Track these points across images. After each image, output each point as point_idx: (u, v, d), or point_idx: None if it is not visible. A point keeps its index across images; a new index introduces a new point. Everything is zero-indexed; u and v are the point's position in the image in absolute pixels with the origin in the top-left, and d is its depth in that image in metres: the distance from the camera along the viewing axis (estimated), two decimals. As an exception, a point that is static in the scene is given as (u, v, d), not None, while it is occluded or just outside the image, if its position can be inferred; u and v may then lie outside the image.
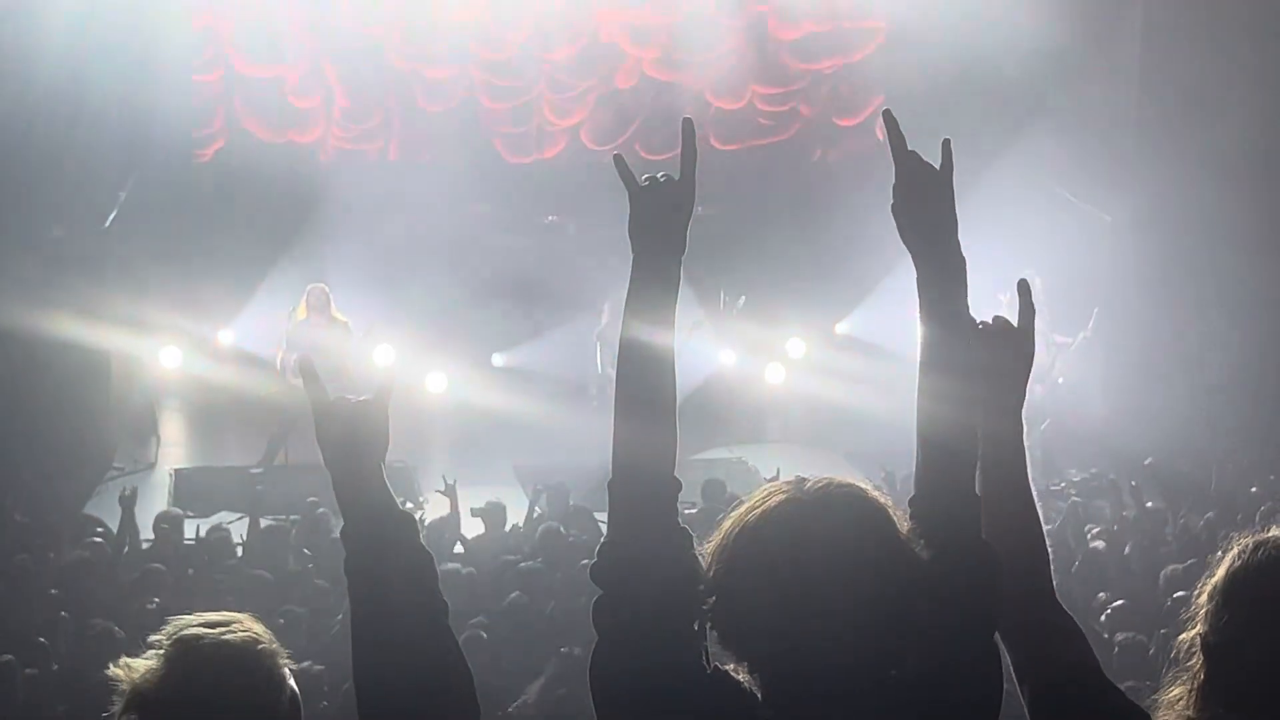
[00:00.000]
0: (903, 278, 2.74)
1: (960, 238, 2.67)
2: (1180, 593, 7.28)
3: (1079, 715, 2.60)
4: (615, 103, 17.27)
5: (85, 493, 13.27)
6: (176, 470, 14.50)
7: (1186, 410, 14.17)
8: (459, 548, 10.29)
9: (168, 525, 10.43)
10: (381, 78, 16.53)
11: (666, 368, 2.60)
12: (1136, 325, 15.07)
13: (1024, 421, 2.77)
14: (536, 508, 11.28)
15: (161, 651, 2.58)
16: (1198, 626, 2.57)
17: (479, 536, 10.59)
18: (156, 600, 8.51)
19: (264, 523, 10.56)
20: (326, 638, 8.04)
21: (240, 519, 11.63)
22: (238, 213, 16.51)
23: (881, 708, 2.39)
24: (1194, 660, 2.56)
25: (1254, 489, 11.74)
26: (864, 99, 16.84)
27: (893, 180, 2.70)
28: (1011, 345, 2.74)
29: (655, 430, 2.57)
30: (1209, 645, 2.53)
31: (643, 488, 2.54)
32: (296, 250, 16.04)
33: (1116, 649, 7.43)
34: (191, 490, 13.70)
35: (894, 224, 2.71)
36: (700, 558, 2.50)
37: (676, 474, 2.57)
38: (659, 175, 2.70)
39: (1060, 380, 14.64)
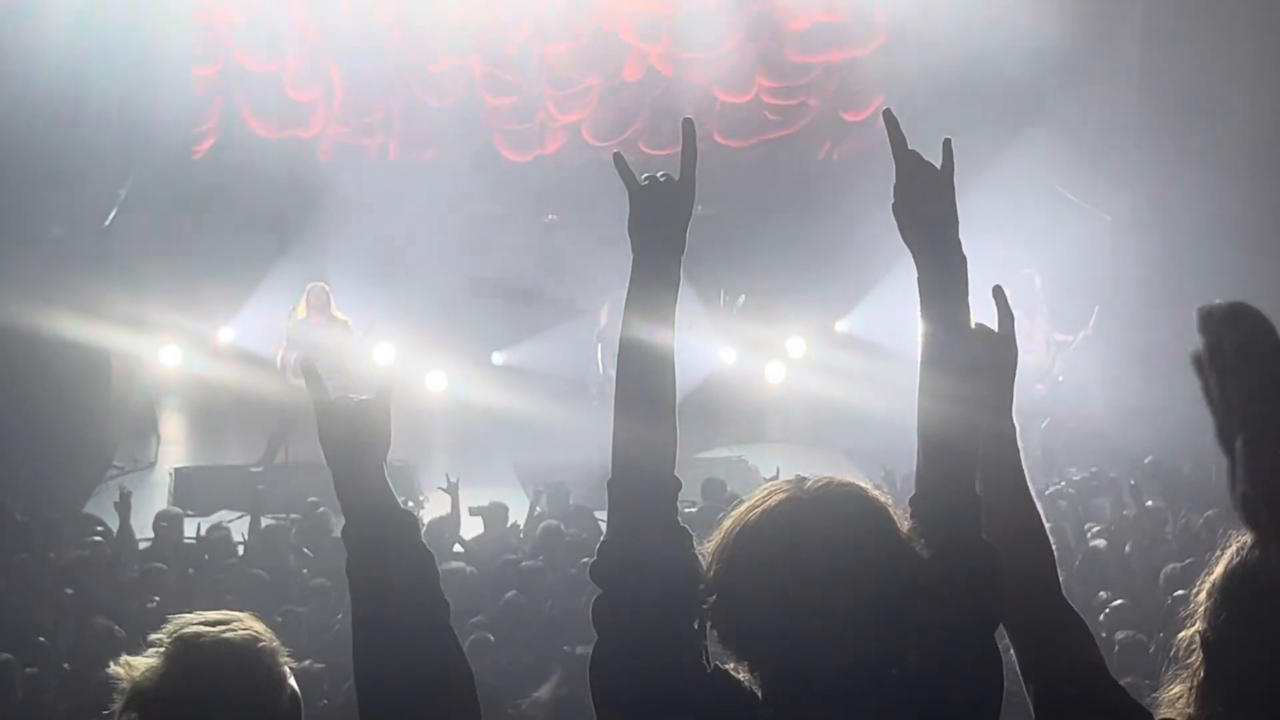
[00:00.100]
0: (903, 276, 2.74)
1: (961, 236, 2.68)
2: (1180, 591, 7.28)
3: (1084, 713, 2.60)
4: (619, 98, 17.20)
5: (85, 491, 13.28)
6: (176, 469, 14.51)
7: (1187, 409, 14.09)
8: (458, 547, 10.29)
9: (167, 524, 10.44)
10: (382, 74, 16.48)
11: (666, 367, 2.60)
12: (1137, 324, 15.06)
13: (1016, 422, 2.77)
14: (537, 508, 11.29)
15: (162, 649, 2.59)
16: (1197, 624, 2.57)
17: (479, 536, 10.59)
18: (157, 599, 8.52)
19: (264, 522, 10.56)
20: (327, 636, 8.04)
21: (240, 518, 11.64)
22: (238, 212, 16.51)
23: (882, 707, 2.39)
24: (1193, 658, 2.56)
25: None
26: (866, 96, 16.80)
27: (893, 179, 2.70)
28: (994, 350, 2.74)
29: (655, 429, 2.57)
30: (1208, 643, 2.53)
31: (642, 487, 2.54)
32: (296, 249, 16.04)
33: (1117, 647, 7.43)
34: (191, 489, 13.70)
35: (894, 223, 2.71)
36: (700, 557, 2.50)
37: (676, 473, 2.57)
38: (659, 174, 2.70)
39: (1060, 379, 14.64)
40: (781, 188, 17.64)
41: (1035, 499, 2.74)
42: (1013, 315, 2.75)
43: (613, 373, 2.69)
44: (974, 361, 2.64)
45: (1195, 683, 2.54)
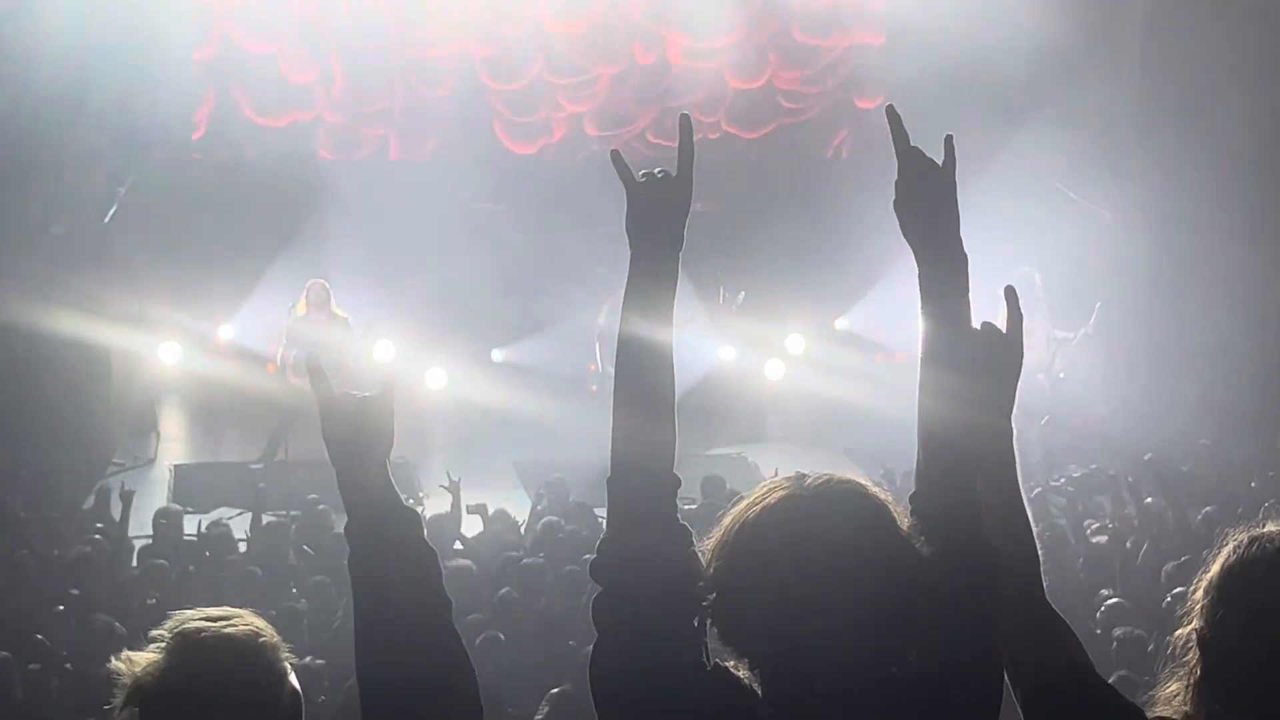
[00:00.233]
0: (903, 274, 2.74)
1: (962, 234, 2.68)
2: (1179, 589, 7.28)
3: (1072, 715, 2.60)
4: (627, 87, 17.05)
5: (86, 489, 13.28)
6: (176, 466, 14.52)
7: (1187, 406, 14.17)
8: (458, 544, 10.28)
9: (167, 521, 10.45)
10: (382, 60, 16.33)
11: (665, 364, 2.60)
12: (1138, 321, 15.07)
13: (1015, 423, 2.77)
14: (539, 505, 11.28)
15: (163, 645, 2.59)
16: (1194, 622, 2.57)
17: (479, 534, 10.59)
18: (156, 597, 8.52)
19: (265, 519, 10.57)
20: (327, 634, 8.05)
21: (240, 515, 11.64)
22: (238, 209, 16.49)
23: (882, 705, 2.38)
24: (1190, 656, 2.56)
25: (1254, 484, 11.75)
26: (878, 82, 16.61)
27: (894, 176, 2.70)
28: (999, 350, 2.73)
29: (654, 427, 2.57)
30: (1205, 641, 2.53)
31: (642, 484, 2.53)
32: (296, 245, 16.03)
33: (1115, 644, 7.43)
34: (191, 486, 13.72)
35: (895, 220, 2.71)
36: (700, 555, 2.50)
37: (676, 470, 2.57)
38: (656, 171, 2.69)
39: (1061, 375, 14.64)
40: (781, 185, 17.61)
41: (1025, 500, 2.74)
42: (1022, 316, 2.74)
43: (612, 370, 2.68)
44: (974, 359, 2.64)
45: (1192, 680, 2.55)
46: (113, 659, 2.61)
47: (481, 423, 14.71)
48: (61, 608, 8.53)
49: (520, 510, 11.39)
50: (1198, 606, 2.57)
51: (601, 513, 2.62)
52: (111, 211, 14.64)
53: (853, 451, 14.29)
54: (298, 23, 16.00)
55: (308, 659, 7.21)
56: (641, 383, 2.59)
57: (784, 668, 2.41)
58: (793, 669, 2.40)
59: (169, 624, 2.62)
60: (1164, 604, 7.81)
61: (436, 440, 14.53)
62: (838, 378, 15.31)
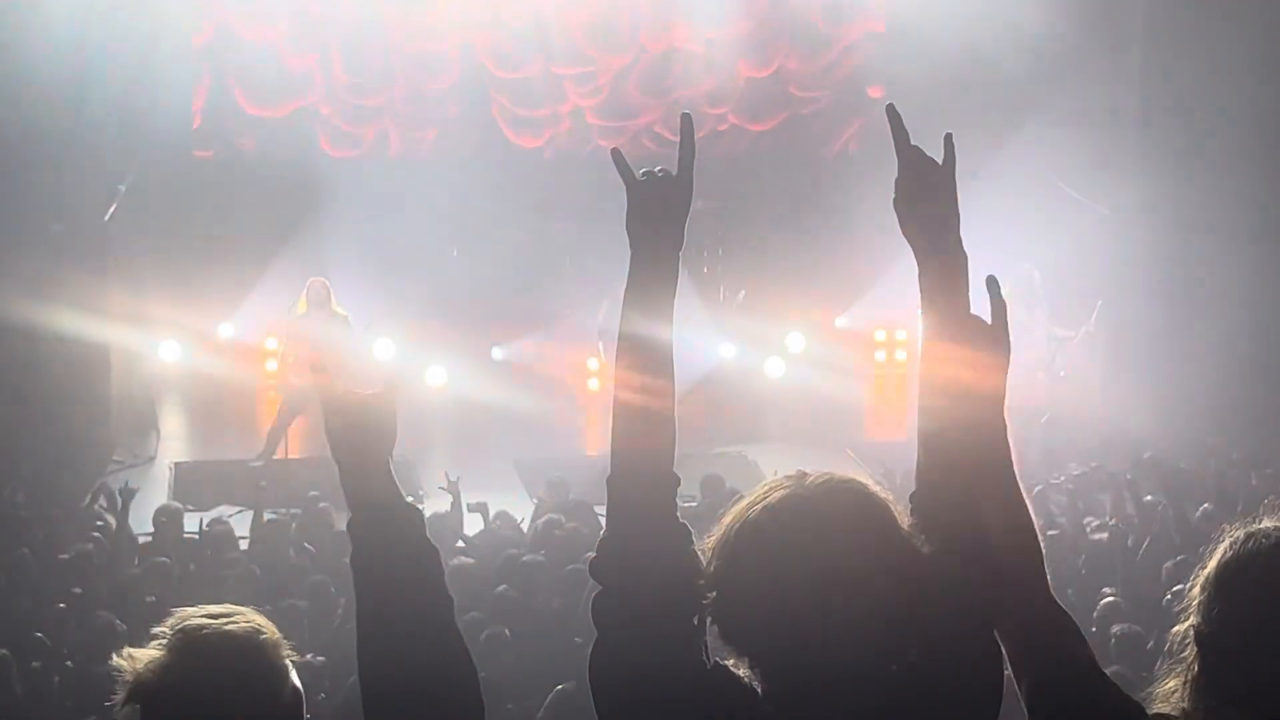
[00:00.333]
0: (903, 272, 2.74)
1: (962, 232, 2.68)
2: (1179, 586, 7.29)
3: (1076, 710, 2.59)
4: (632, 78, 16.95)
5: (86, 487, 13.28)
6: (176, 464, 14.52)
7: (1187, 404, 14.17)
8: (459, 543, 10.29)
9: (167, 519, 10.46)
10: (382, 52, 16.26)
11: (665, 362, 2.60)
12: (1138, 319, 15.07)
13: (1012, 419, 2.76)
14: (537, 501, 11.28)
15: (164, 642, 2.59)
16: (1191, 618, 2.57)
17: (480, 532, 10.59)
18: (156, 595, 8.52)
19: (265, 516, 10.58)
20: (327, 632, 8.05)
21: (240, 512, 11.64)
22: (237, 207, 16.49)
23: (882, 704, 2.39)
24: (1188, 652, 2.56)
25: (1253, 481, 11.75)
26: (879, 82, 16.49)
27: (894, 174, 2.70)
28: (989, 343, 2.72)
29: (654, 425, 2.57)
30: (1202, 637, 2.53)
31: (641, 483, 2.54)
32: (296, 244, 16.03)
33: (1113, 641, 7.44)
34: (191, 484, 13.72)
35: (895, 218, 2.71)
36: (700, 553, 2.50)
37: (675, 469, 2.57)
38: (656, 169, 2.69)
39: (1062, 374, 14.65)
40: (781, 182, 17.58)
41: (1026, 496, 2.74)
42: (1005, 305, 2.73)
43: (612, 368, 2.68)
44: (975, 357, 2.65)
45: (1189, 677, 2.55)
46: (114, 656, 2.61)
47: (482, 420, 14.71)
48: (62, 606, 8.54)
49: (520, 508, 11.38)
50: (1195, 603, 2.57)
51: (601, 510, 2.62)
52: (111, 210, 14.62)
53: (853, 449, 14.30)
54: (296, 12, 15.94)
55: (309, 656, 7.19)
56: (641, 380, 2.59)
57: (784, 666, 2.41)
58: (793, 667, 2.40)
59: (170, 621, 2.63)
60: (1165, 601, 7.82)
61: (437, 438, 14.54)
62: (838, 376, 15.32)
